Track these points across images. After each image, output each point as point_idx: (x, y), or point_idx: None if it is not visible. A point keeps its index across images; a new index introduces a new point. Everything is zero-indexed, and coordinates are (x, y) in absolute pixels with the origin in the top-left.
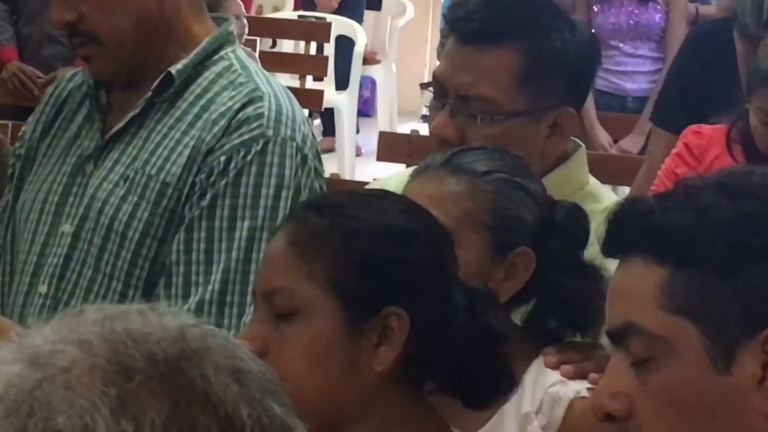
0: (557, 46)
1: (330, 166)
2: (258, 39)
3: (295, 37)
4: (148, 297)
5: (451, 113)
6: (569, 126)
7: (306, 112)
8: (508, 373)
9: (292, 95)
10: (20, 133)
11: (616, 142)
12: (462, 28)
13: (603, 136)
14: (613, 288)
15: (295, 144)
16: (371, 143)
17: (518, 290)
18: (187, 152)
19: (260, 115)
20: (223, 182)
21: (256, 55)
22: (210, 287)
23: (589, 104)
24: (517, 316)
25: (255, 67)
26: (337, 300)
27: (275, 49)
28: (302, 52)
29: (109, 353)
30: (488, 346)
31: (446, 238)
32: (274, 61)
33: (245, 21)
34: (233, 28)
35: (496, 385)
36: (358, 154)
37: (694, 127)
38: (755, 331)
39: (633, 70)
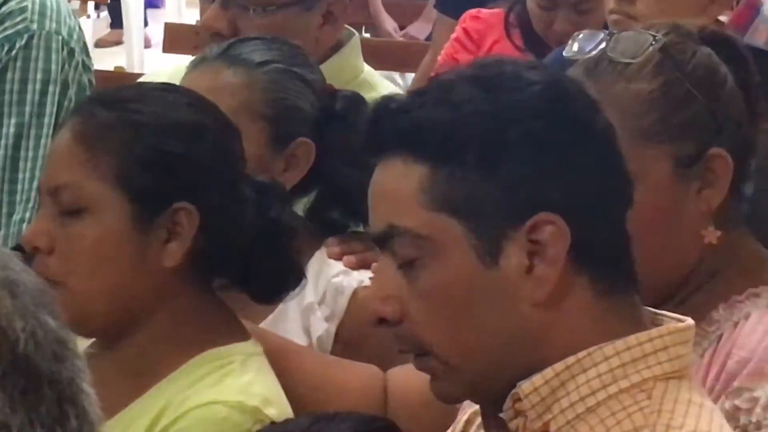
0: None
1: (118, 59)
2: None
3: None
4: None
5: (223, 5)
6: (342, 14)
7: (92, 4)
8: (296, 267)
9: None
10: None
11: (402, 29)
12: None
13: (389, 23)
14: (374, 191)
15: (60, 38)
16: (160, 35)
17: (299, 181)
18: None
19: (23, 9)
20: None
21: None
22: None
23: None
24: (300, 207)
25: None
26: (124, 196)
27: None
28: None
29: None
30: (277, 240)
31: (235, 133)
32: None
33: None
34: None
35: (285, 279)
36: (148, 46)
37: (472, 11)
38: (520, 221)
39: None
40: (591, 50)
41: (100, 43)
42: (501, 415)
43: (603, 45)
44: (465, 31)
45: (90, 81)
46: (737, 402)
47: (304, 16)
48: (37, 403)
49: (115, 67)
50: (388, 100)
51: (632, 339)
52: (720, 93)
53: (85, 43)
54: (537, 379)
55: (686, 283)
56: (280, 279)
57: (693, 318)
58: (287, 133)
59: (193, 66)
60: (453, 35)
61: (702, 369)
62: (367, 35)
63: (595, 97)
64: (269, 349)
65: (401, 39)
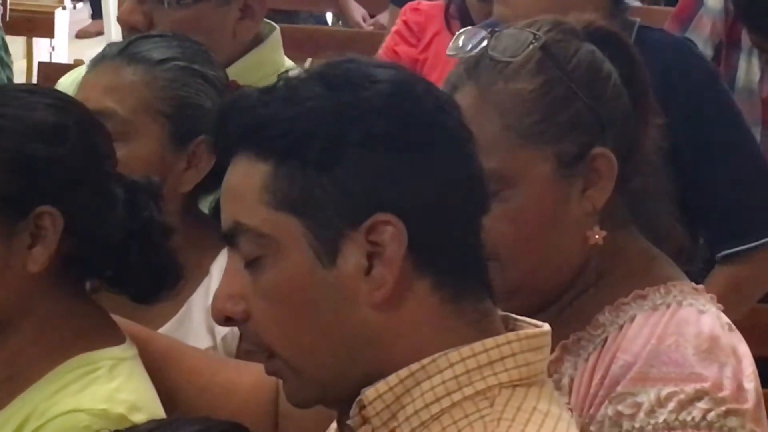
0: None
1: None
2: None
3: None
4: None
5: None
6: (260, 8)
7: None
8: (173, 265)
9: None
10: None
11: (373, 17)
12: None
13: (357, 12)
14: (223, 188)
15: None
16: None
17: (203, 179)
18: None
19: None
20: None
21: None
22: None
23: None
24: (206, 205)
25: None
26: None
27: None
28: None
29: None
30: (150, 239)
31: (101, 132)
32: None
33: None
34: None
35: (162, 279)
36: None
37: (413, 3)
38: (358, 221)
39: None
40: (472, 48)
41: (80, 34)
42: (348, 422)
43: (485, 43)
44: (405, 23)
45: (9, 78)
46: (620, 407)
47: (220, 10)
48: None
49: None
50: (238, 97)
51: (479, 345)
52: (603, 91)
53: (3, 39)
54: (381, 385)
55: (573, 285)
56: (156, 279)
57: (579, 321)
58: (188, 131)
59: (93, 65)
60: (394, 27)
61: (587, 373)
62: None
63: (475, 97)
64: (155, 351)
65: (369, 28)
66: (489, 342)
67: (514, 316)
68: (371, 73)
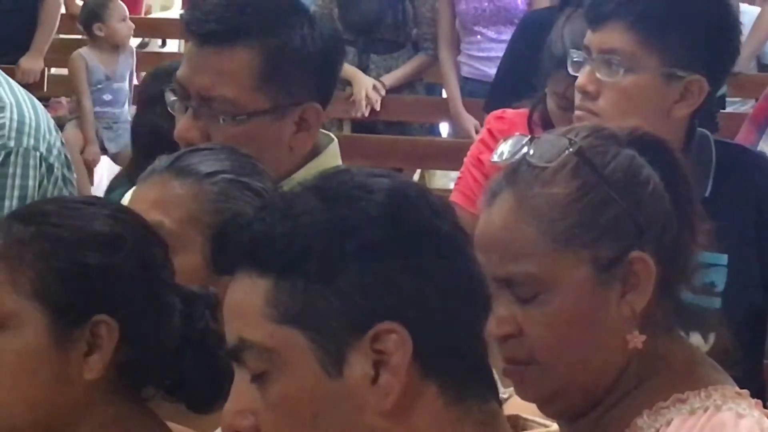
0: (296, 42)
1: None
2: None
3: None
4: None
5: (195, 116)
6: (315, 121)
7: None
8: (230, 375)
9: (38, 104)
10: None
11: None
12: (199, 29)
13: (469, 122)
14: (226, 306)
15: (38, 154)
16: None
17: None
18: None
19: (2, 126)
20: None
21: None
22: None
23: (455, 91)
24: None
25: (0, 77)
26: (43, 310)
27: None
28: None
29: None
30: (206, 348)
31: (158, 243)
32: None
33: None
34: None
35: (218, 388)
36: None
37: (497, 111)
38: (362, 331)
39: (497, 56)
40: (512, 155)
41: None
42: None
43: (524, 150)
44: (489, 131)
45: (72, 195)
46: None
47: (276, 125)
48: None
49: None
50: (235, 216)
51: None
52: (641, 195)
53: (66, 157)
54: None
55: (613, 389)
56: (212, 388)
57: (619, 426)
58: None
59: (143, 178)
60: (478, 136)
61: None
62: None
63: (513, 203)
64: None
65: None
66: None
67: (524, 416)
68: (365, 183)
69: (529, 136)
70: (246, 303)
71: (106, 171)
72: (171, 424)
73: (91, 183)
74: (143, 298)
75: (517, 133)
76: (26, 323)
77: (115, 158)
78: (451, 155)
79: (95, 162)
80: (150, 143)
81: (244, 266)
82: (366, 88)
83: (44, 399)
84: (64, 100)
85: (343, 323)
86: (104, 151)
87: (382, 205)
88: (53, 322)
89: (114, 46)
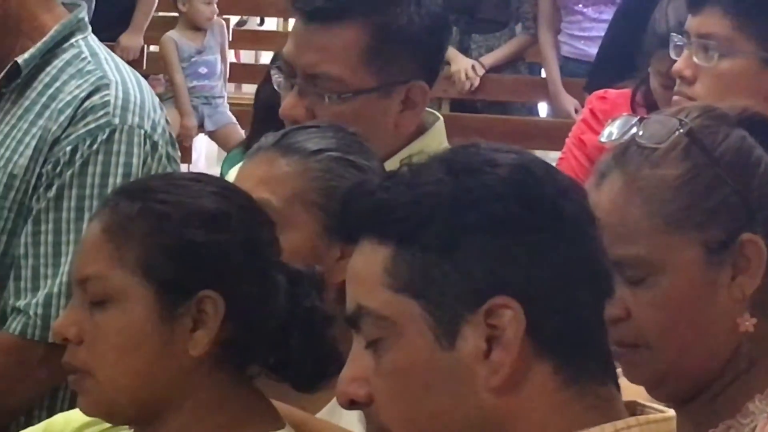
0: (403, 20)
1: None
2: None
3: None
4: None
5: (300, 93)
6: (421, 99)
7: None
8: (335, 355)
9: (143, 82)
10: None
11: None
12: (305, 6)
13: (568, 102)
14: (348, 272)
15: (143, 131)
16: None
17: None
18: (33, 143)
19: (106, 104)
20: (69, 173)
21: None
22: (58, 280)
23: (554, 71)
24: None
25: (105, 54)
26: (149, 286)
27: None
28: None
29: None
30: (312, 328)
31: (264, 220)
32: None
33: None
34: (84, 14)
35: (323, 368)
36: None
37: (599, 92)
38: (477, 304)
39: (598, 35)
40: (621, 136)
41: None
42: None
43: (633, 131)
44: (591, 111)
45: (176, 171)
46: None
47: (381, 103)
48: None
49: None
50: (359, 183)
51: (597, 429)
52: (752, 176)
53: (170, 135)
54: None
55: (724, 372)
56: (317, 367)
57: (730, 410)
58: None
59: (249, 156)
60: (580, 116)
61: None
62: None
63: (622, 184)
64: None
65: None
66: (608, 427)
67: (642, 402)
68: (492, 158)
69: (638, 117)
70: (365, 270)
71: (204, 149)
72: (276, 403)
73: (189, 161)
74: (249, 275)
75: (626, 114)
76: (132, 299)
77: (212, 136)
78: (550, 135)
79: (191, 135)
80: (268, 118)
81: (366, 233)
82: (465, 68)
83: (149, 374)
84: (162, 77)
85: (459, 296)
86: (201, 129)
87: (507, 180)
88: (159, 297)
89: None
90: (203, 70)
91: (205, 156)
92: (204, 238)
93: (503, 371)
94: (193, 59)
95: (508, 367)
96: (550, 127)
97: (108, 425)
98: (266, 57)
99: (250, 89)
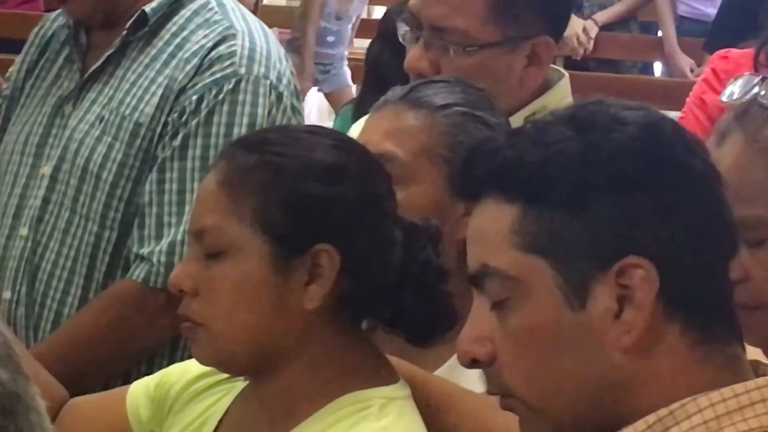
0: None
1: None
2: None
3: None
4: (123, 238)
5: (425, 46)
6: (547, 55)
7: None
8: (449, 309)
9: (270, 33)
10: (7, 74)
11: (699, 66)
12: None
13: (684, 61)
14: (470, 231)
15: (269, 82)
16: None
17: None
18: (160, 92)
19: (233, 53)
20: (195, 122)
21: None
22: (182, 228)
23: (670, 30)
24: None
25: (232, 4)
26: (265, 238)
27: None
28: None
29: None
30: (427, 282)
31: (381, 174)
32: None
33: None
34: None
35: (437, 322)
36: None
37: (722, 51)
38: (608, 264)
39: None
40: (742, 96)
41: None
42: None
43: (755, 90)
44: (713, 71)
45: (300, 123)
46: None
47: (506, 57)
48: None
49: None
50: (483, 141)
51: (728, 390)
52: None
53: (296, 87)
54: (628, 431)
55: None
56: (432, 321)
57: None
58: None
59: (376, 108)
60: (702, 75)
61: None
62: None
63: (742, 145)
64: (430, 393)
65: (694, 78)
66: (738, 387)
67: (765, 362)
68: (620, 115)
69: (761, 77)
70: (491, 229)
71: (315, 105)
72: (392, 358)
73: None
74: (365, 228)
75: (748, 73)
76: (248, 251)
77: (327, 96)
78: (665, 95)
79: (305, 94)
80: (377, 75)
81: (490, 192)
82: (577, 33)
83: (263, 327)
84: (276, 30)
85: (589, 255)
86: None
87: (636, 137)
88: (274, 250)
89: None
90: (331, 38)
91: (317, 109)
92: (320, 191)
93: (634, 332)
94: (328, 25)
95: (639, 328)
96: (665, 87)
97: (223, 376)
98: (378, 12)
99: (362, 44)
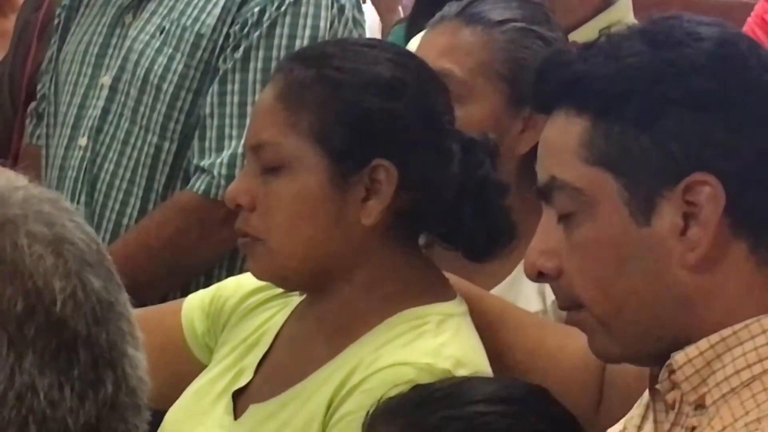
0: None
1: None
2: None
3: None
4: (183, 150)
5: None
6: None
7: None
8: (508, 224)
9: None
10: None
11: None
12: None
13: None
14: (540, 144)
15: None
16: None
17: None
18: (221, 3)
19: None
20: (257, 34)
21: None
22: (243, 141)
23: None
24: None
25: None
26: (323, 153)
27: None
28: None
29: None
30: (485, 196)
31: (440, 88)
32: None
33: None
34: None
35: (495, 237)
36: None
37: None
38: (675, 181)
39: None
40: None
41: None
42: (657, 386)
43: None
44: None
45: (361, 36)
46: None
47: None
48: (68, 366)
49: None
50: (556, 53)
51: None
52: None
53: (358, 0)
54: (691, 350)
55: None
56: (490, 237)
57: None
58: (525, 94)
59: (432, 25)
60: None
61: None
62: None
63: None
64: (486, 310)
65: None
66: None
67: None
68: (695, 31)
69: None
70: (560, 142)
71: (367, 20)
72: (449, 275)
73: None
74: (423, 143)
75: None
76: (305, 166)
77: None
78: (727, 15)
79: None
80: None
81: (562, 104)
82: None
83: (321, 242)
84: None
85: (657, 171)
86: None
87: (710, 54)
88: (332, 165)
89: None
90: None
91: (368, 27)
92: (379, 106)
93: (700, 249)
94: None
95: (705, 245)
96: (726, 8)
97: (278, 290)
98: None
99: None
